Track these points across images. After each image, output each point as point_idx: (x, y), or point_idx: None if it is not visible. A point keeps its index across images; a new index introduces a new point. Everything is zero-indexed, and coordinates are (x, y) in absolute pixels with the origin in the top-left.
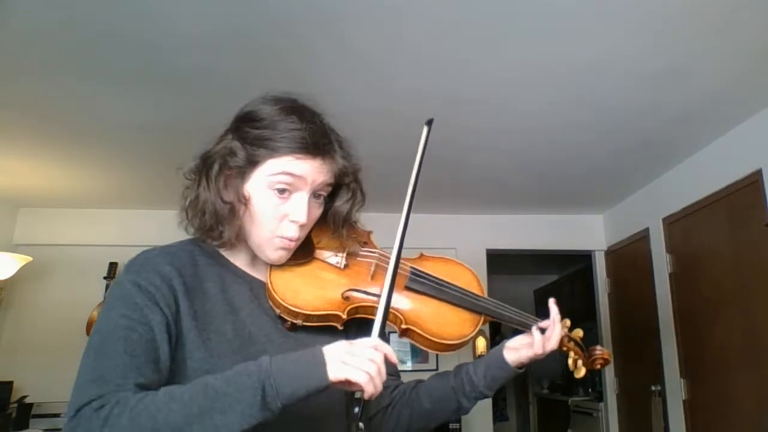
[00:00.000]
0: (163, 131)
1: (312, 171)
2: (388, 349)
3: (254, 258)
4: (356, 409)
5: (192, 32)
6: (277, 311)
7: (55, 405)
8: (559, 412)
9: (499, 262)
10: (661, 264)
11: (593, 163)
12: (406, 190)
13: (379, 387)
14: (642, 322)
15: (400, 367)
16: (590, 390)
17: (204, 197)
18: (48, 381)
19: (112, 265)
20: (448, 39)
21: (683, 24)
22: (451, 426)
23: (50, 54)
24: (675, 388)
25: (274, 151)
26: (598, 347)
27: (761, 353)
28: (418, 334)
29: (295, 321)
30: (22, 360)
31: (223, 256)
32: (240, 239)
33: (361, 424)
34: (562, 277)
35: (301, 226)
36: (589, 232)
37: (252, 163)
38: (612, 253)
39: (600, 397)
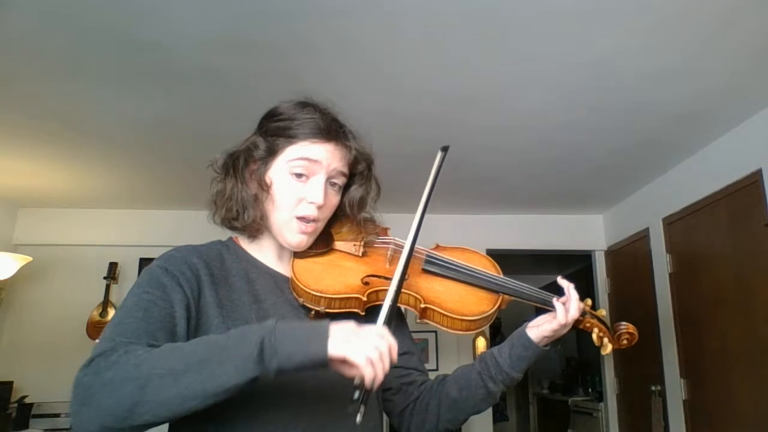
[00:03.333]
0: (164, 131)
1: (327, 155)
2: (393, 342)
3: (279, 255)
4: (356, 395)
5: (193, 32)
6: (300, 300)
7: (55, 405)
8: (559, 412)
9: (499, 262)
10: (661, 264)
11: (593, 162)
12: (409, 190)
13: (380, 375)
14: (642, 322)
15: None
16: (590, 390)
17: (230, 188)
18: (48, 381)
19: (112, 265)
20: (448, 38)
21: (683, 23)
22: None
23: (50, 54)
24: (675, 388)
25: (291, 138)
26: (624, 323)
27: (761, 353)
28: (438, 312)
29: (317, 308)
30: (22, 360)
31: (249, 254)
32: (264, 234)
33: (362, 408)
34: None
35: (319, 208)
36: (589, 232)
37: (273, 152)
38: (612, 253)
39: (600, 397)
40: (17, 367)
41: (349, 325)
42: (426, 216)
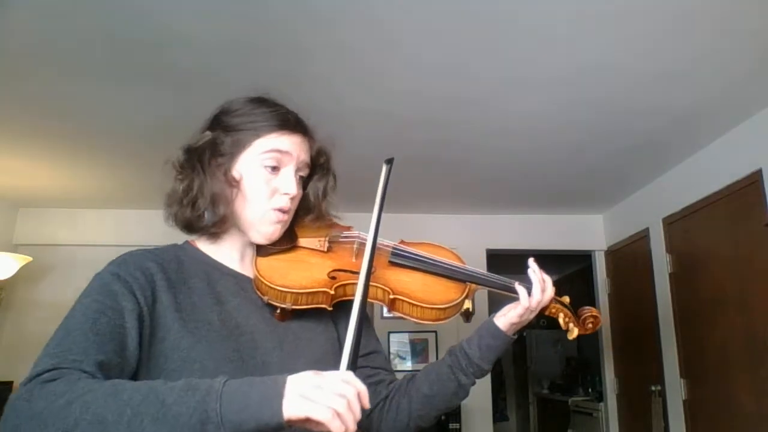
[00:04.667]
0: (164, 131)
1: (295, 146)
2: (362, 387)
3: (241, 255)
4: None
5: (192, 33)
6: (265, 298)
7: None
8: (559, 412)
9: (499, 262)
10: (661, 264)
11: (593, 163)
12: (409, 191)
13: (351, 426)
14: (642, 322)
15: (401, 366)
16: (590, 390)
17: (198, 184)
18: None
19: None
20: (447, 39)
21: (684, 25)
22: (451, 426)
23: (51, 54)
24: (675, 388)
25: (259, 131)
26: (587, 307)
27: (761, 353)
28: (407, 302)
29: (283, 305)
30: (22, 360)
31: (208, 256)
32: (226, 234)
33: None
34: (562, 277)
35: (292, 199)
36: (589, 232)
37: (240, 146)
38: (612, 253)
39: (600, 397)
40: (17, 367)
41: (306, 377)
42: (426, 216)
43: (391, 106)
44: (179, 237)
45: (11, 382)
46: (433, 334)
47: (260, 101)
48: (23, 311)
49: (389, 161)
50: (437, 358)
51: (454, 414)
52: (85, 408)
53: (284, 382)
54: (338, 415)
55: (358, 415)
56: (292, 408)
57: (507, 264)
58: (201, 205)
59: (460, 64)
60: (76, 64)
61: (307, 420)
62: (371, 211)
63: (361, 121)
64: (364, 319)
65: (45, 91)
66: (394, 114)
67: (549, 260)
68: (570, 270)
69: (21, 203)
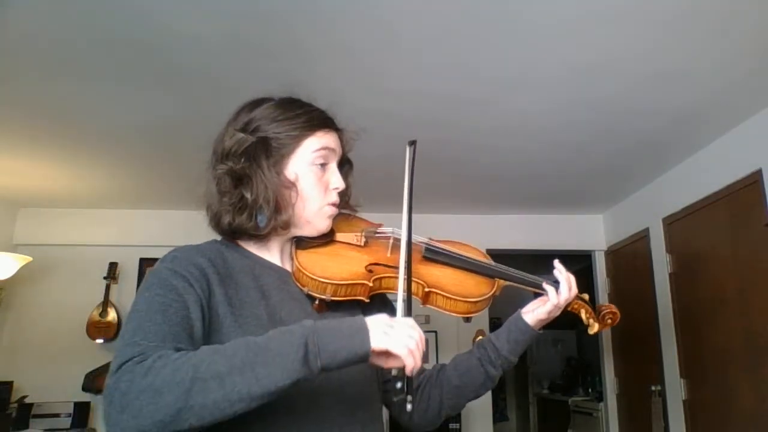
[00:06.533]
0: (163, 131)
1: (337, 143)
2: (422, 332)
3: (282, 250)
4: (398, 385)
5: (192, 33)
6: (305, 289)
7: (55, 405)
8: (559, 412)
9: (499, 262)
10: (661, 264)
11: (593, 163)
12: (403, 191)
13: (419, 362)
14: (642, 322)
15: None
16: (590, 390)
17: (261, 191)
18: (48, 381)
19: (112, 265)
20: (448, 39)
21: (683, 25)
22: (451, 426)
23: (50, 54)
24: (675, 388)
25: (306, 130)
26: (605, 304)
27: (761, 353)
28: (441, 295)
29: (323, 296)
30: (22, 360)
31: (249, 251)
32: (274, 235)
33: (409, 397)
34: None
35: (339, 194)
36: (589, 232)
37: (290, 147)
38: (612, 253)
39: (600, 397)
40: (17, 367)
41: (382, 318)
42: (425, 216)
43: (391, 106)
44: (181, 236)
45: (11, 382)
46: (433, 334)
47: (293, 101)
48: (23, 311)
49: (412, 143)
50: (437, 359)
51: (454, 414)
52: (195, 368)
53: (364, 320)
54: (411, 352)
55: (423, 353)
56: (376, 340)
57: (507, 264)
58: (267, 214)
59: (460, 64)
60: (76, 64)
61: (386, 353)
62: (376, 209)
63: (362, 121)
64: (393, 307)
65: (45, 91)
66: (394, 114)
67: (549, 260)
68: (570, 270)
69: (21, 203)
